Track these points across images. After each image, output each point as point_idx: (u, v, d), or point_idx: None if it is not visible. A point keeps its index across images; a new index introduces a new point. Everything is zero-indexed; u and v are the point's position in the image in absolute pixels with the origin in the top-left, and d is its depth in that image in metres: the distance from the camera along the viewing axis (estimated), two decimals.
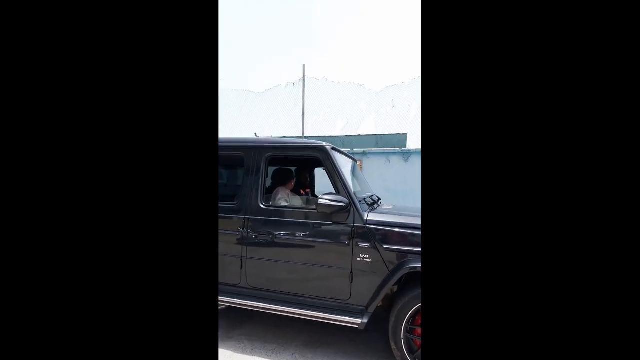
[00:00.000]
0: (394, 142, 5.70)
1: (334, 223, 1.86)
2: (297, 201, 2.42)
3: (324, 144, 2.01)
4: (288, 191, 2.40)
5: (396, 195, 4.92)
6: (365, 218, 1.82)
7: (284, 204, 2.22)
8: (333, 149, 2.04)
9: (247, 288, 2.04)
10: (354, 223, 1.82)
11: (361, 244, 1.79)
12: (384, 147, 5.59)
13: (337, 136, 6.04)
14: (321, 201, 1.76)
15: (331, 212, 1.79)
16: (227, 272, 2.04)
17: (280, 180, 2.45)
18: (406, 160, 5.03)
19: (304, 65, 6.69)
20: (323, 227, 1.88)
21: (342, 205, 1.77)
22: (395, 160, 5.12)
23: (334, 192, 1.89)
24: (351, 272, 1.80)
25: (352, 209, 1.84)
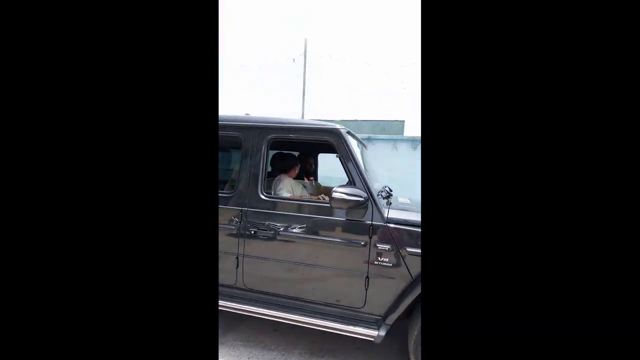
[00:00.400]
0: (390, 129, 5.43)
1: (348, 220, 1.66)
2: (301, 191, 2.20)
3: (338, 126, 1.77)
4: (291, 179, 2.18)
5: (403, 186, 4.72)
6: (386, 215, 1.62)
7: (287, 194, 2.00)
8: (348, 132, 1.81)
9: (243, 289, 1.85)
10: (371, 221, 1.62)
11: (380, 245, 1.59)
12: (386, 134, 5.34)
13: (332, 120, 5.74)
14: (336, 194, 1.54)
15: (347, 208, 1.57)
16: (219, 270, 1.84)
17: (281, 166, 2.22)
18: (415, 148, 4.82)
19: (305, 40, 6.29)
20: (335, 224, 1.68)
21: (359, 200, 1.56)
22: (403, 147, 4.90)
23: (348, 182, 1.68)
24: (367, 277, 1.62)
25: (370, 204, 1.62)
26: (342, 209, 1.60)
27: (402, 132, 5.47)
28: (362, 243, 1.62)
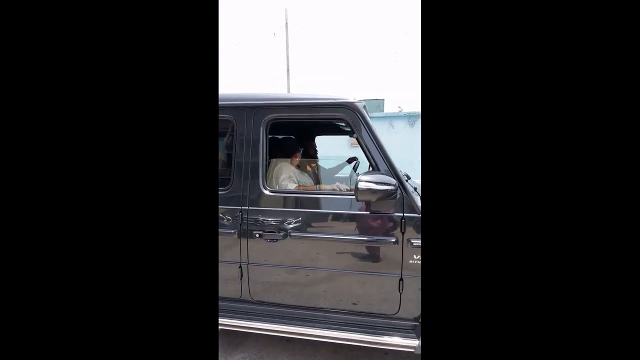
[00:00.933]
0: (370, 108, 5.17)
1: (374, 213, 1.41)
2: (307, 181, 1.93)
3: (352, 99, 1.49)
4: (293, 168, 1.89)
5: (402, 166, 4.53)
6: (419, 205, 1.38)
7: (292, 185, 1.72)
8: (364, 107, 1.53)
9: (250, 302, 1.60)
10: (403, 213, 1.38)
11: (415, 242, 1.37)
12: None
13: None
14: (362, 185, 1.28)
15: (376, 199, 1.32)
16: (220, 282, 1.57)
17: (282, 153, 1.93)
18: (412, 125, 4.60)
19: (286, 10, 5.79)
20: (358, 218, 1.44)
21: (389, 190, 1.31)
22: (400, 125, 4.66)
23: (370, 169, 1.42)
24: (401, 279, 1.40)
25: (400, 193, 1.38)
26: (370, 201, 1.34)
27: (382, 109, 5.23)
28: (393, 240, 1.39)
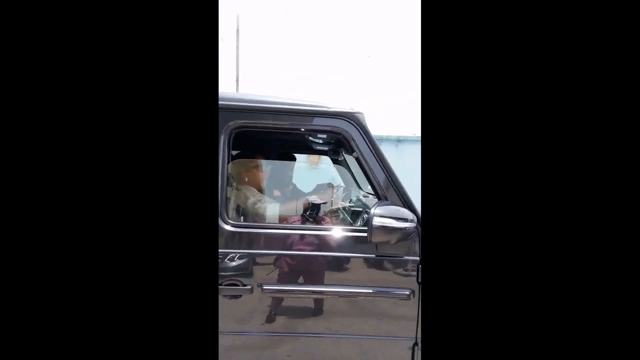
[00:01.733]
0: None
1: (380, 256, 1.10)
2: (275, 209, 1.54)
3: (351, 108, 1.20)
4: (256, 192, 1.49)
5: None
6: None
7: (271, 210, 1.34)
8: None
9: None
10: (420, 256, 1.10)
11: None
12: None
13: None
14: (377, 221, 0.97)
15: (396, 241, 1.01)
16: None
17: (242, 172, 1.53)
18: (397, 146, 4.57)
19: (237, 16, 5.45)
20: (359, 264, 1.12)
21: (409, 228, 1.02)
22: (385, 147, 4.57)
23: (380, 200, 1.13)
24: (415, 344, 1.10)
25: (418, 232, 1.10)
26: (387, 242, 1.02)
27: None
28: (407, 292, 1.09)
